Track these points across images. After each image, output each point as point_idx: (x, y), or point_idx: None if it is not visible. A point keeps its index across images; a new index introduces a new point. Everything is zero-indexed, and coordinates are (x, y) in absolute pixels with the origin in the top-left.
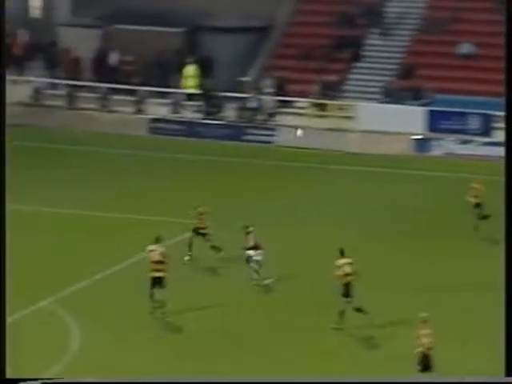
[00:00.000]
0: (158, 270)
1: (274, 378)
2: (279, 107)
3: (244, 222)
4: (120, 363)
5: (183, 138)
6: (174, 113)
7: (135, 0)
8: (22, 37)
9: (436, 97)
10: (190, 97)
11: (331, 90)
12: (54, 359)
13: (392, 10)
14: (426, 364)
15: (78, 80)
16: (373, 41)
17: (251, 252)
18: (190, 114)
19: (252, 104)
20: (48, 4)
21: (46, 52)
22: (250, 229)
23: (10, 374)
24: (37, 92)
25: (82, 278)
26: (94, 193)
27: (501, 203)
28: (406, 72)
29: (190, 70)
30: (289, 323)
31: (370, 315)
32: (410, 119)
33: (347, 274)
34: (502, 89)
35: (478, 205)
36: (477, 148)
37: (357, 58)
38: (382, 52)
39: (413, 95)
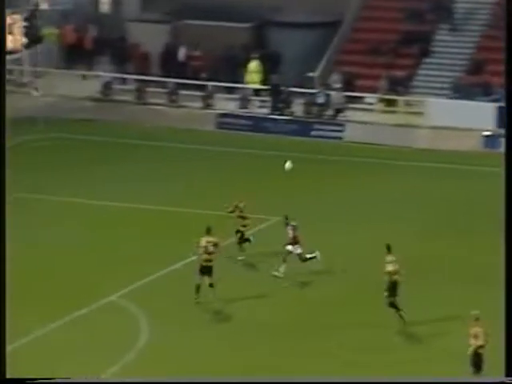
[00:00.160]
0: (208, 260)
1: (275, 378)
2: (347, 103)
3: (311, 217)
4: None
5: (251, 133)
6: (242, 108)
7: None
8: (92, 32)
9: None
10: (257, 92)
11: (399, 86)
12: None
13: (461, 5)
14: (477, 364)
15: (146, 75)
16: (442, 36)
17: (290, 247)
18: (257, 109)
19: (320, 99)
20: None
21: (115, 47)
22: (293, 223)
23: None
24: (106, 87)
25: (151, 273)
26: (163, 187)
27: None
28: (476, 67)
29: (254, 65)
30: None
31: (403, 312)
32: (480, 115)
33: (390, 272)
34: None
35: None
36: None
37: (426, 53)
38: (451, 48)
39: (482, 91)
